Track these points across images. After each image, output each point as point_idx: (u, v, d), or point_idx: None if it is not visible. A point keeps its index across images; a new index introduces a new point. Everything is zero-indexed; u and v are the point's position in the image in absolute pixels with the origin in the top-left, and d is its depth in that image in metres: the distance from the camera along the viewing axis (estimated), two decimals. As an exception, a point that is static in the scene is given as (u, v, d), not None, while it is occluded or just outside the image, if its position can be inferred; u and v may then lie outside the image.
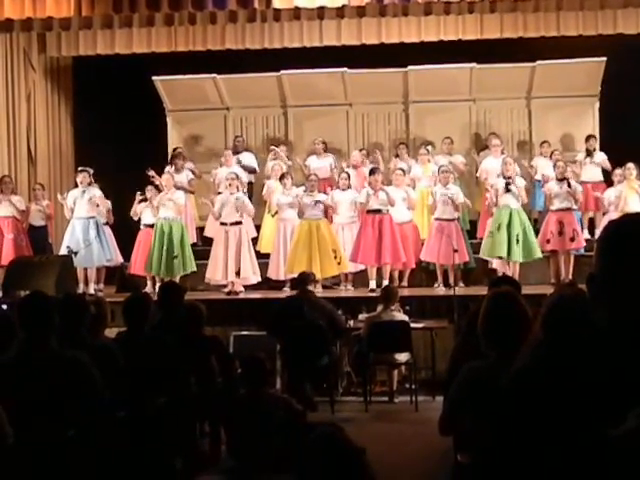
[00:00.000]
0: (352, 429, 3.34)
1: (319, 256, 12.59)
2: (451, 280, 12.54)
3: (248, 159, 14.75)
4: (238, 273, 12.69)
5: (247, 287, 12.93)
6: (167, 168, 13.97)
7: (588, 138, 14.39)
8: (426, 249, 12.93)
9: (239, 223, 12.81)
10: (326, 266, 12.65)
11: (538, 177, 14.07)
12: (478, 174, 14.23)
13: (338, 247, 12.84)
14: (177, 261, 12.77)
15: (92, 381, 5.07)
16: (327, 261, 12.65)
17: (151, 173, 13.34)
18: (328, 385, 10.11)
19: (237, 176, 13.23)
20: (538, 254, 12.48)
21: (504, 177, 12.58)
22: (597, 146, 14.39)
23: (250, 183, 14.55)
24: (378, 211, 12.68)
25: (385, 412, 10.10)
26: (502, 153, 13.79)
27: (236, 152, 14.69)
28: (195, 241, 14.01)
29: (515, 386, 2.71)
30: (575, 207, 12.82)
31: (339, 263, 12.80)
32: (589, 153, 14.24)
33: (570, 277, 12.37)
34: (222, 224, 12.84)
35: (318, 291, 12.18)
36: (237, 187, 13.02)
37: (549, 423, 2.38)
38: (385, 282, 12.29)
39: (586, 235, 13.38)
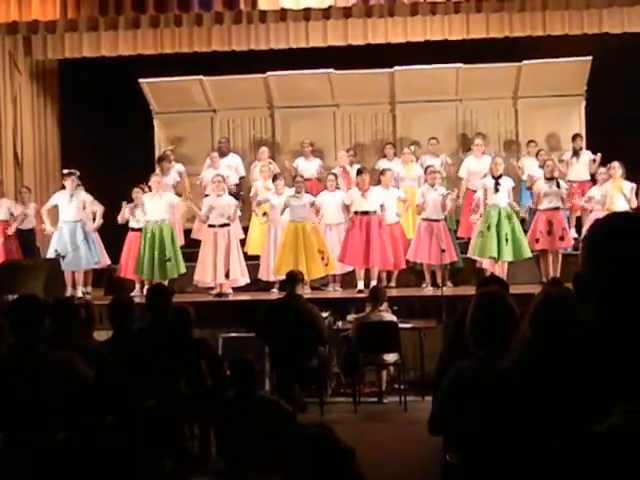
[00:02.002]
0: (341, 430, 3.34)
1: (305, 258, 12.59)
2: (439, 280, 12.57)
3: (235, 163, 14.74)
4: (227, 275, 12.69)
5: (236, 289, 12.93)
6: (157, 170, 13.95)
7: (575, 137, 14.43)
8: (414, 249, 12.95)
9: (227, 225, 12.81)
10: (312, 268, 12.63)
11: (525, 177, 14.12)
12: (460, 174, 14.24)
13: (326, 248, 12.84)
14: (170, 264, 12.74)
15: (81, 380, 5.07)
16: (313, 263, 12.63)
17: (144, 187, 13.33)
18: (317, 386, 10.10)
19: (223, 178, 13.23)
20: (528, 253, 12.53)
21: (493, 177, 12.61)
22: (584, 145, 14.44)
23: (237, 185, 14.51)
24: (366, 212, 12.69)
25: (374, 413, 10.10)
26: (484, 153, 13.85)
27: (222, 154, 14.67)
28: (182, 243, 13.97)
29: (503, 385, 2.73)
30: (563, 206, 12.88)
31: (326, 264, 12.81)
32: (576, 152, 14.29)
33: (553, 274, 12.43)
34: (210, 226, 12.83)
35: (307, 292, 12.23)
36: (224, 189, 13.03)
37: (537, 421, 2.39)
38: (373, 283, 12.31)
39: (573, 234, 13.43)
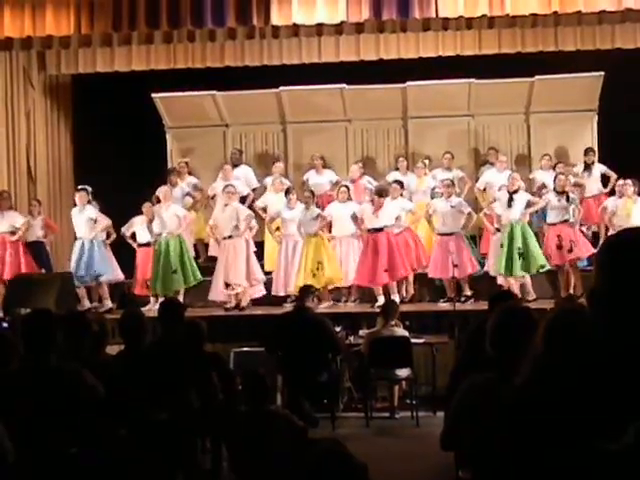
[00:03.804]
0: (353, 445, 3.33)
1: (302, 270, 12.58)
2: (449, 294, 12.59)
3: (245, 174, 14.73)
4: (227, 286, 12.68)
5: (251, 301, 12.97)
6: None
7: (587, 151, 14.38)
8: (431, 265, 12.94)
9: (232, 237, 12.80)
10: (305, 280, 12.53)
11: (537, 186, 14.08)
12: (479, 185, 14.17)
13: (325, 258, 12.77)
14: (177, 276, 12.76)
15: (92, 394, 5.08)
16: (307, 275, 12.59)
17: None
18: (329, 401, 10.08)
19: (234, 190, 13.25)
20: (541, 264, 12.42)
21: (508, 192, 12.59)
22: (596, 159, 14.40)
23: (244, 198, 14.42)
24: (375, 230, 12.66)
25: (386, 428, 10.08)
26: (505, 169, 13.81)
27: (233, 166, 14.67)
28: (193, 254, 13.95)
29: (515, 401, 2.71)
30: (574, 220, 12.82)
31: (324, 274, 12.72)
32: (587, 167, 14.25)
33: (573, 290, 12.39)
34: (223, 239, 12.89)
35: (324, 306, 12.32)
36: (232, 200, 13.03)
37: (549, 438, 2.38)
38: (394, 297, 12.30)
39: (592, 249, 13.37)
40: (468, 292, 12.76)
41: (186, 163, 14.97)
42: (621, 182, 13.25)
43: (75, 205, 13.50)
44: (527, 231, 12.58)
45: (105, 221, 13.43)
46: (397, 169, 14.58)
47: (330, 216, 13.03)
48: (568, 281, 12.69)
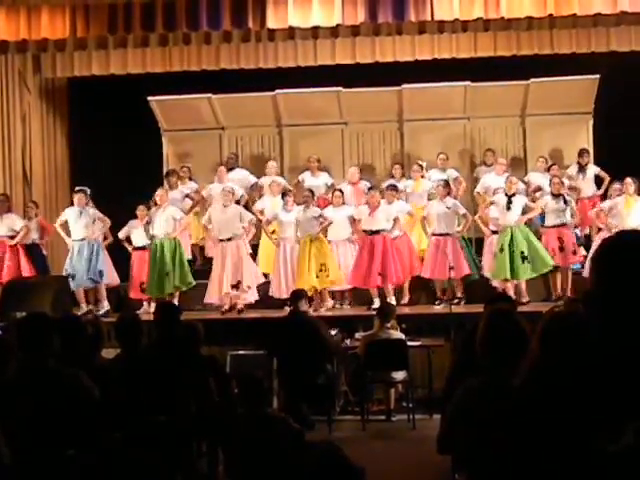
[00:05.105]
0: (350, 448, 3.33)
1: (306, 271, 12.55)
2: (448, 296, 12.57)
3: (241, 176, 14.72)
4: (237, 286, 12.65)
5: (246, 306, 12.92)
6: (165, 185, 14.01)
7: (581, 153, 14.36)
8: (424, 265, 12.94)
9: (235, 238, 12.79)
10: (308, 281, 12.54)
11: (532, 188, 14.07)
12: (478, 189, 14.14)
13: (328, 260, 12.76)
14: (170, 278, 12.71)
15: (90, 397, 5.07)
16: (310, 276, 12.57)
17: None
18: (325, 404, 10.06)
19: (233, 190, 13.25)
20: (548, 265, 12.40)
21: (506, 195, 12.58)
22: (590, 160, 14.41)
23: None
24: (371, 232, 12.65)
25: (383, 431, 10.07)
26: (505, 172, 13.79)
27: (229, 169, 14.66)
28: (190, 257, 13.93)
29: (513, 402, 2.71)
30: (571, 221, 12.83)
31: (327, 276, 12.72)
32: (581, 168, 14.25)
33: (568, 293, 12.39)
34: (220, 241, 12.86)
35: (324, 308, 12.35)
36: (231, 200, 13.04)
37: (547, 438, 2.38)
38: (390, 299, 12.29)
39: (583, 251, 13.40)
40: (459, 294, 12.76)
41: (188, 168, 14.92)
42: (617, 184, 13.25)
43: (72, 205, 13.41)
44: (529, 233, 12.53)
45: (107, 221, 13.35)
46: (392, 176, 14.52)
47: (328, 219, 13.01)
48: (562, 283, 12.69)
